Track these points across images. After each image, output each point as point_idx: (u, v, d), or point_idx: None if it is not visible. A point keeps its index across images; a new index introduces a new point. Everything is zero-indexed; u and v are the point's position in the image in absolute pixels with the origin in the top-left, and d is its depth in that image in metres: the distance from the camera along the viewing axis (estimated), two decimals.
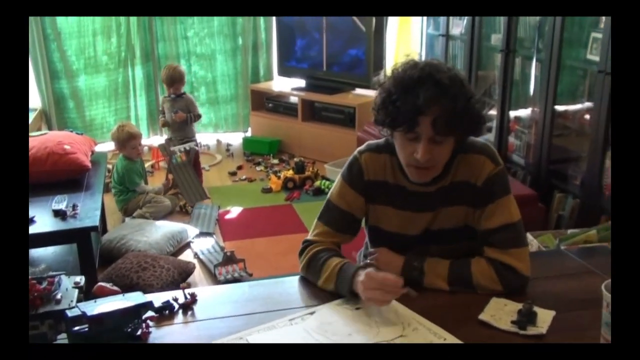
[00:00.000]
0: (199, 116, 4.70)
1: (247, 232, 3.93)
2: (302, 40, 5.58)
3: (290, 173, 4.69)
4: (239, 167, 5.18)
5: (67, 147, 3.33)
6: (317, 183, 4.61)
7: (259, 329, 1.40)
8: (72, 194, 3.08)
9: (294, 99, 5.58)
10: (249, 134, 5.95)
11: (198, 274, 3.37)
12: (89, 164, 3.38)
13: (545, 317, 1.41)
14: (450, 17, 4.60)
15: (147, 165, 5.05)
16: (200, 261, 3.51)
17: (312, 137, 5.35)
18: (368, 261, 1.63)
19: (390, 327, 1.40)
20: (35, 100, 5.19)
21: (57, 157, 3.26)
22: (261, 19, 5.81)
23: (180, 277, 3.16)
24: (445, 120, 1.44)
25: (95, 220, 2.80)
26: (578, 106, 3.43)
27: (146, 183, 4.36)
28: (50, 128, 5.17)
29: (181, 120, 4.52)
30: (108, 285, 1.48)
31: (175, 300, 1.51)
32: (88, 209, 2.91)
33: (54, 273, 1.38)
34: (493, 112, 4.13)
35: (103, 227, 3.75)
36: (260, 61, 5.96)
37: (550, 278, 1.63)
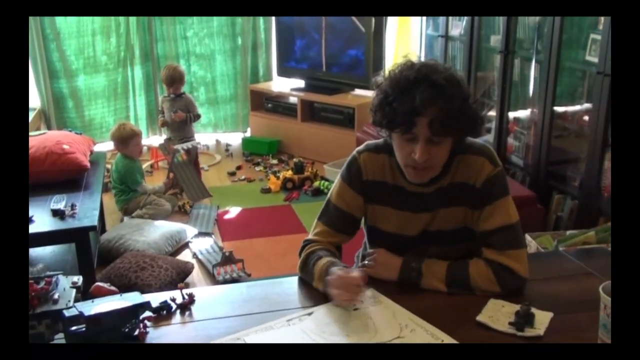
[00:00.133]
0: (198, 116, 4.70)
1: (246, 233, 3.93)
2: (302, 41, 5.58)
3: (289, 173, 4.69)
4: (238, 167, 5.18)
5: (66, 146, 3.33)
6: (316, 183, 4.61)
7: (257, 329, 1.40)
8: (71, 194, 3.08)
9: (293, 100, 5.58)
10: (248, 134, 5.95)
11: (197, 274, 3.37)
12: (88, 164, 3.38)
13: (542, 319, 1.41)
14: (450, 18, 4.60)
15: (146, 165, 5.06)
16: (199, 261, 3.51)
17: (312, 137, 5.35)
18: (366, 262, 1.64)
19: (388, 328, 1.40)
20: (34, 100, 5.19)
21: (56, 157, 3.26)
22: (260, 19, 5.81)
23: (179, 277, 3.15)
24: (442, 120, 1.44)
25: (93, 220, 2.80)
26: (577, 107, 3.44)
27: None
28: (49, 128, 5.17)
29: (180, 119, 4.52)
30: (105, 285, 1.48)
31: (173, 300, 1.51)
32: (87, 209, 2.91)
33: (52, 273, 1.38)
34: (492, 113, 4.14)
35: (102, 227, 3.75)
36: (259, 61, 5.97)
37: (548, 279, 1.63)
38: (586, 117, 3.28)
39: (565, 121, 3.53)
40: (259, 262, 3.46)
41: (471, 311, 1.44)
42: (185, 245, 3.72)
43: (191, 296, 1.53)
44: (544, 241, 2.92)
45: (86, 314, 1.27)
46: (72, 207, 2.88)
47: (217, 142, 5.95)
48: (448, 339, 1.34)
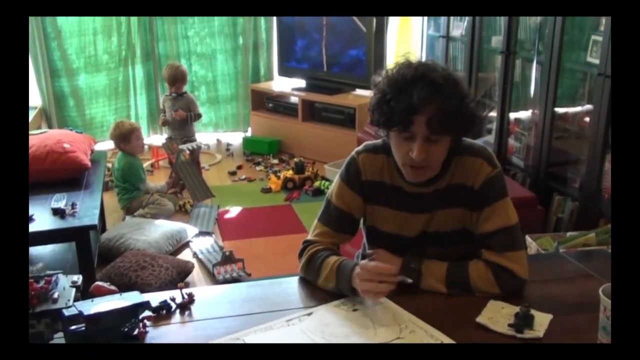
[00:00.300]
0: (199, 115, 4.70)
1: (246, 232, 3.93)
2: (303, 41, 5.58)
3: (290, 173, 4.69)
4: (239, 167, 5.18)
5: (66, 145, 3.33)
6: (317, 183, 4.61)
7: (256, 329, 1.40)
8: (72, 193, 3.08)
9: (294, 99, 5.58)
10: (249, 133, 5.95)
11: (197, 273, 3.37)
12: (89, 163, 3.38)
13: (542, 321, 1.41)
14: (451, 19, 4.60)
15: (147, 164, 5.06)
16: (199, 260, 3.51)
17: (312, 137, 5.35)
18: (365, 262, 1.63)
19: (388, 329, 1.40)
20: (35, 99, 5.19)
21: (57, 156, 3.26)
22: (262, 19, 5.81)
23: (179, 276, 3.15)
24: (440, 119, 1.44)
25: (94, 219, 2.80)
26: (578, 109, 3.43)
27: None
28: (50, 126, 5.17)
29: (181, 118, 4.53)
30: (105, 284, 1.48)
31: (173, 300, 1.51)
32: (87, 208, 2.91)
33: (52, 272, 1.38)
34: (493, 114, 4.13)
35: (102, 226, 3.75)
36: (260, 61, 5.97)
37: (548, 281, 1.63)
38: (587, 119, 3.28)
39: (566, 122, 3.53)
40: (259, 262, 3.46)
41: (471, 312, 1.44)
42: (186, 245, 3.72)
43: (191, 296, 1.53)
44: (544, 242, 2.92)
45: (86, 313, 1.27)
46: (73, 206, 2.88)
47: (218, 141, 5.95)
48: (447, 340, 1.34)
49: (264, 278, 3.14)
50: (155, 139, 5.68)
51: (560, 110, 3.50)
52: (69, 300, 1.31)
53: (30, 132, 3.60)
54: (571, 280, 1.65)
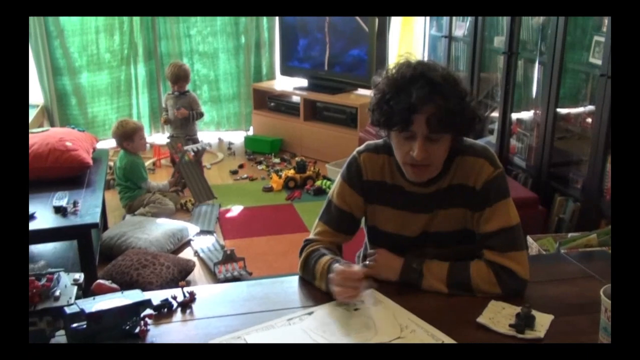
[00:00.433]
0: (201, 114, 4.71)
1: (247, 231, 3.93)
2: (305, 40, 5.58)
3: (291, 172, 4.69)
4: (241, 166, 5.18)
5: (68, 143, 3.33)
6: (318, 183, 4.62)
7: (257, 328, 1.40)
8: (73, 191, 3.09)
9: (296, 99, 5.58)
10: (250, 132, 5.96)
11: (198, 272, 3.37)
12: (91, 161, 3.39)
13: (543, 321, 1.41)
14: (453, 19, 4.60)
15: (148, 162, 5.07)
16: (201, 259, 3.51)
17: (314, 136, 5.36)
18: (367, 262, 1.64)
19: (388, 328, 1.40)
20: (37, 97, 5.20)
21: (59, 154, 3.26)
22: (264, 18, 5.81)
23: (180, 275, 3.16)
24: (440, 117, 1.44)
25: (95, 217, 2.80)
26: (580, 109, 3.43)
27: None
28: (52, 125, 5.18)
29: (183, 116, 4.53)
30: (107, 282, 1.48)
31: (174, 298, 1.51)
32: (89, 206, 2.91)
33: (53, 270, 1.38)
34: (495, 114, 4.13)
35: (104, 224, 3.75)
36: (262, 60, 5.97)
37: (549, 282, 1.63)
38: (589, 119, 3.28)
39: (568, 123, 3.52)
40: (260, 261, 3.47)
41: (472, 312, 1.44)
42: (187, 243, 3.73)
43: (192, 294, 1.54)
44: (545, 243, 2.92)
45: (87, 311, 1.27)
46: (75, 204, 2.88)
47: (220, 140, 5.95)
48: (448, 340, 1.34)
49: (265, 277, 3.15)
50: (157, 137, 5.69)
51: (562, 110, 3.50)
52: (70, 298, 1.31)
53: (32, 131, 3.61)
54: (572, 281, 1.65)
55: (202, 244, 3.68)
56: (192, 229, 3.80)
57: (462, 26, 4.54)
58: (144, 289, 1.42)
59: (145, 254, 3.18)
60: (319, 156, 5.24)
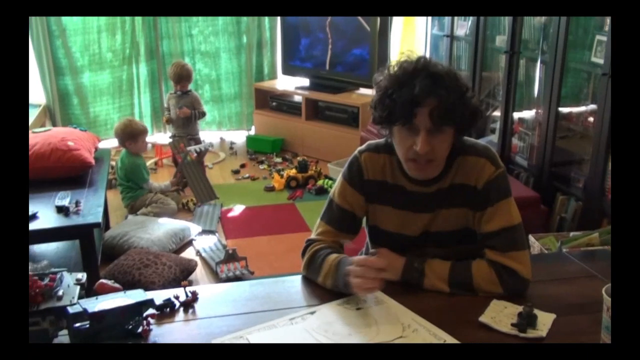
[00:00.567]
0: (203, 114, 4.71)
1: (249, 231, 3.93)
2: (306, 40, 5.58)
3: (293, 172, 4.69)
4: (242, 166, 5.18)
5: (70, 143, 3.34)
6: (320, 182, 4.62)
7: (260, 327, 1.40)
8: (76, 191, 3.09)
9: (297, 98, 5.58)
10: (252, 132, 5.96)
11: (200, 271, 3.38)
12: (93, 161, 3.39)
13: (545, 320, 1.41)
14: (455, 18, 4.59)
15: (150, 162, 5.07)
16: (202, 259, 3.52)
17: (316, 136, 5.36)
18: (371, 251, 1.63)
19: (390, 327, 1.40)
20: (39, 97, 5.21)
21: (61, 154, 3.27)
22: (266, 18, 5.81)
23: (182, 274, 3.16)
24: (442, 110, 1.45)
25: (98, 217, 2.81)
26: (582, 108, 3.43)
27: None
28: (54, 124, 5.19)
29: (185, 116, 4.54)
30: (109, 282, 1.48)
31: (177, 298, 1.51)
32: (91, 206, 2.92)
33: (56, 269, 1.38)
34: (497, 113, 4.13)
35: (106, 224, 3.76)
36: (264, 60, 5.97)
37: (551, 281, 1.63)
38: (591, 119, 3.28)
39: (570, 122, 3.52)
40: (262, 260, 3.47)
41: (473, 312, 1.44)
42: (189, 243, 3.73)
43: (194, 294, 1.54)
44: (547, 242, 2.92)
45: (90, 310, 1.27)
46: (77, 203, 2.89)
47: (222, 140, 5.96)
48: (450, 339, 1.34)
49: (267, 276, 3.15)
50: (159, 137, 5.69)
51: (564, 110, 3.50)
52: (73, 297, 1.31)
53: (34, 130, 3.61)
54: (574, 280, 1.65)
55: (204, 243, 3.69)
56: (194, 228, 3.80)
57: (463, 25, 4.54)
58: (146, 289, 1.42)
59: (147, 254, 3.18)
60: (320, 156, 5.24)
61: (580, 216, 3.29)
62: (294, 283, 1.65)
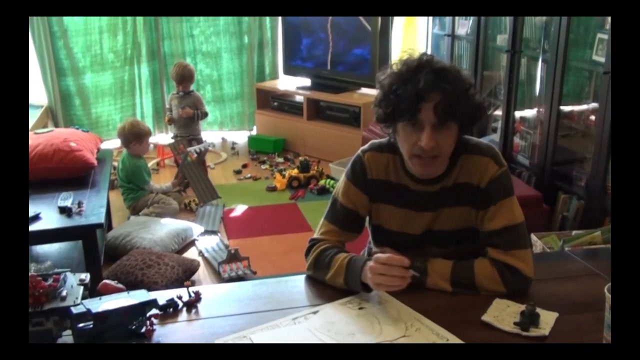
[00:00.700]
0: (205, 114, 4.72)
1: (251, 231, 3.93)
2: (308, 39, 5.58)
3: (295, 172, 4.69)
4: (244, 166, 5.19)
5: (73, 144, 3.34)
6: (322, 182, 4.62)
7: (263, 327, 1.41)
8: (78, 191, 3.09)
9: (299, 98, 5.58)
10: (254, 132, 5.96)
11: (202, 271, 3.38)
12: (95, 162, 3.39)
13: (548, 319, 1.41)
14: (456, 17, 4.60)
15: (152, 163, 5.08)
16: (205, 259, 3.52)
17: (317, 136, 5.36)
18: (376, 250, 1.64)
19: (393, 327, 1.40)
20: (41, 98, 5.22)
21: (63, 154, 3.27)
22: (267, 18, 5.81)
23: (185, 274, 3.17)
24: (447, 105, 1.46)
25: (100, 218, 2.81)
26: (583, 107, 3.43)
27: None
28: (56, 125, 5.19)
29: (188, 116, 4.54)
30: (113, 282, 1.49)
31: (180, 298, 1.52)
32: (93, 206, 2.92)
33: (60, 270, 1.39)
34: (498, 112, 4.13)
35: (108, 224, 3.76)
36: (265, 60, 5.97)
37: (553, 280, 1.63)
38: (592, 117, 3.28)
39: (572, 121, 3.52)
40: (265, 260, 3.47)
41: (476, 311, 1.44)
42: (191, 243, 3.74)
43: (197, 294, 1.54)
44: (549, 241, 2.92)
45: (93, 311, 1.28)
46: (79, 204, 2.89)
47: (223, 140, 5.96)
48: (453, 338, 1.35)
49: (270, 276, 3.16)
50: (161, 137, 5.70)
51: (565, 108, 3.50)
52: (77, 298, 1.31)
53: (36, 131, 3.62)
54: (576, 278, 1.65)
55: (207, 243, 3.69)
56: (196, 228, 3.81)
57: (465, 25, 4.54)
58: (148, 289, 1.43)
59: (149, 254, 3.19)
60: (322, 155, 5.24)
61: (582, 215, 3.29)
62: (297, 283, 1.66)
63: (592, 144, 3.21)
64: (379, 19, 5.01)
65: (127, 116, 5.41)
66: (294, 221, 4.08)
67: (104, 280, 1.49)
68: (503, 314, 1.43)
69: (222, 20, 5.67)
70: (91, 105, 5.43)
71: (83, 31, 5.23)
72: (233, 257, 3.32)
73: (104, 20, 5.27)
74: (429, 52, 5.03)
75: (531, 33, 3.80)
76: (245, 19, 5.71)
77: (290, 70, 5.79)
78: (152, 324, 1.39)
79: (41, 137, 3.42)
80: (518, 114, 3.96)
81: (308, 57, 5.63)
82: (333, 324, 1.42)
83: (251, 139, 5.69)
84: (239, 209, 4.28)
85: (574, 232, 2.95)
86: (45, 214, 2.82)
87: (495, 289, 1.53)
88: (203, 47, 5.73)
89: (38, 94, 5.18)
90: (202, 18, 5.62)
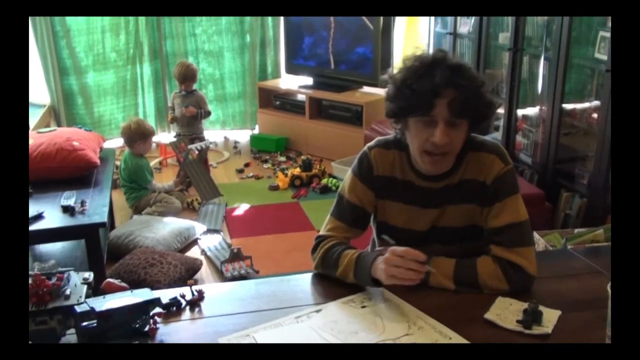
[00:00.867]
0: (208, 113, 4.73)
1: (254, 230, 3.94)
2: (310, 38, 5.58)
3: (297, 171, 4.70)
4: (247, 165, 5.19)
5: (75, 143, 3.35)
6: (324, 181, 4.62)
7: (266, 326, 1.41)
8: (81, 190, 3.10)
9: (301, 97, 5.58)
10: (256, 131, 5.96)
11: (205, 270, 3.39)
12: (98, 161, 3.40)
13: (550, 317, 1.41)
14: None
15: (154, 162, 5.08)
16: (208, 258, 3.53)
17: (320, 135, 5.36)
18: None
19: (396, 325, 1.40)
20: (44, 97, 5.23)
21: (66, 154, 3.28)
22: (269, 17, 5.81)
23: (188, 273, 3.17)
24: (461, 102, 1.46)
25: (103, 217, 2.81)
26: (586, 105, 3.43)
27: None
28: (59, 124, 5.20)
29: (191, 114, 4.55)
30: (116, 281, 1.49)
31: (183, 296, 1.52)
32: (96, 205, 2.93)
33: (63, 269, 1.39)
34: (501, 110, 4.13)
35: (111, 224, 3.77)
36: (268, 59, 5.97)
37: (556, 277, 1.64)
38: (595, 115, 3.27)
39: (574, 119, 3.52)
40: (267, 259, 3.48)
41: (479, 309, 1.45)
42: (194, 242, 3.74)
43: (200, 293, 1.55)
44: (552, 239, 2.92)
45: (97, 309, 1.28)
46: (82, 203, 2.90)
47: (226, 139, 5.96)
48: (456, 337, 1.35)
49: (272, 275, 3.16)
50: (164, 136, 5.70)
51: (568, 106, 3.50)
52: (80, 297, 1.32)
53: (39, 130, 3.63)
54: (579, 276, 1.65)
55: (209, 242, 3.70)
56: (199, 227, 3.81)
57: (467, 23, 4.54)
58: (151, 288, 1.43)
59: (152, 253, 3.19)
60: (324, 154, 5.25)
61: (585, 213, 3.29)
62: (299, 281, 1.66)
63: (595, 142, 3.21)
64: (381, 17, 5.00)
65: (129, 115, 5.41)
66: (297, 220, 4.08)
67: (108, 279, 1.49)
68: (506, 312, 1.43)
69: (224, 19, 5.67)
70: (94, 105, 5.44)
71: (85, 31, 5.24)
72: (235, 256, 3.32)
73: (107, 19, 5.27)
74: (431, 52, 5.07)
75: (533, 31, 3.80)
76: (247, 18, 5.71)
77: (292, 69, 5.79)
78: (155, 322, 1.39)
79: (44, 136, 3.42)
80: (520, 112, 3.96)
81: (310, 56, 5.63)
82: (336, 322, 1.42)
83: (253, 138, 5.69)
84: (242, 208, 4.28)
85: (576, 230, 2.95)
86: (48, 213, 2.83)
87: (498, 286, 1.53)
88: (205, 46, 5.73)
89: (41, 93, 5.20)
90: (204, 17, 5.62)
